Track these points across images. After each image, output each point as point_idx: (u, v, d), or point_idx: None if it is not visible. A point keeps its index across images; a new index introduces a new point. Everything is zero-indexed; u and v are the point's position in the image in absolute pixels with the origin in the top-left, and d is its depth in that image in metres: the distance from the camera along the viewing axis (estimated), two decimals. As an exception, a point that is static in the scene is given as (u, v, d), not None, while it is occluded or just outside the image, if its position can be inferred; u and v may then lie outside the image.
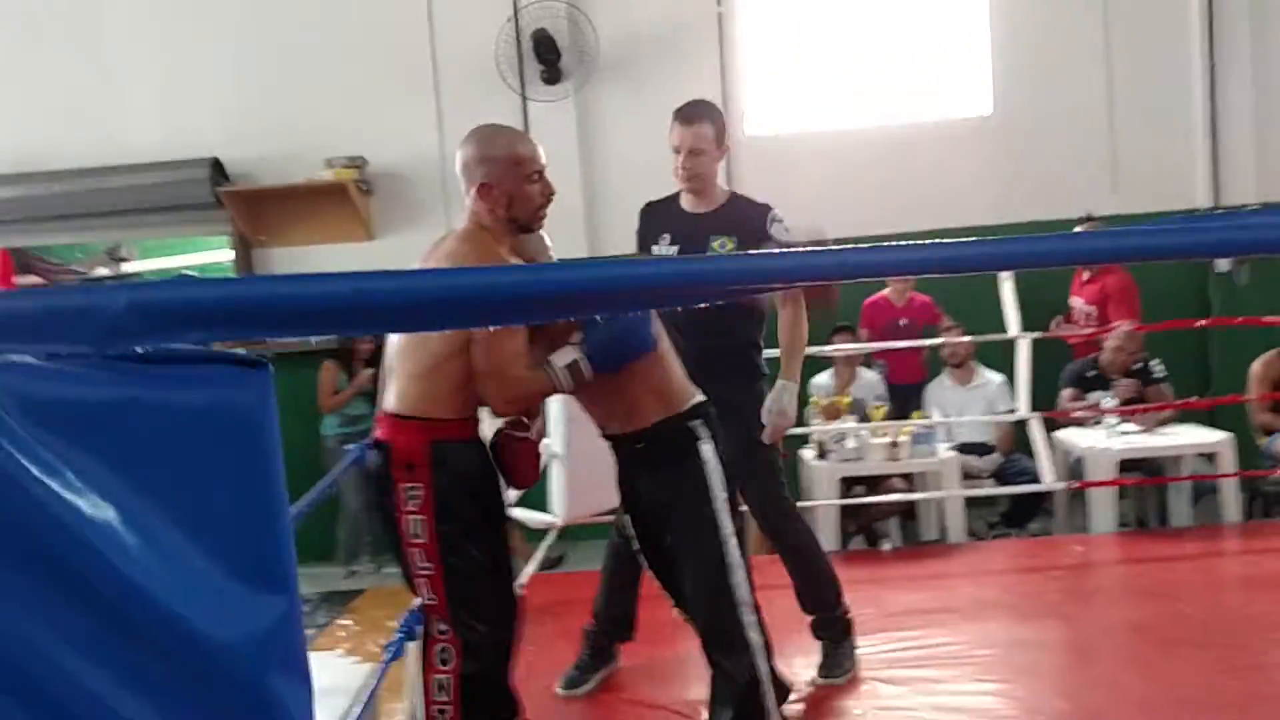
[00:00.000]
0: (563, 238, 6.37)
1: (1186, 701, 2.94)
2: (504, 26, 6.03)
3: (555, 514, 3.92)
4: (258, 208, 6.09)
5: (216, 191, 5.96)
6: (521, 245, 2.51)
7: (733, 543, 2.44)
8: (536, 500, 3.97)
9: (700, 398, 2.52)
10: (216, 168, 6.03)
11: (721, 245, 3.13)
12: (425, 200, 6.23)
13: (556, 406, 3.76)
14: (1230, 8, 6.07)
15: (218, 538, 0.72)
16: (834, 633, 3.26)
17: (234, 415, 0.72)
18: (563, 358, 2.27)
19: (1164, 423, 5.27)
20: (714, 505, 2.43)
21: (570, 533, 4.75)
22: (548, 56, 5.95)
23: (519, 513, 3.87)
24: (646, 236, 3.31)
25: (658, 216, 3.31)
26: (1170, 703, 2.95)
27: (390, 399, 2.32)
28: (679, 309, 2.78)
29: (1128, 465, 5.11)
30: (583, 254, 6.24)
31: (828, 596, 3.24)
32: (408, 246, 6.21)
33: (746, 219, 3.14)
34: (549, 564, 5.05)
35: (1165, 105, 6.16)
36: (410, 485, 2.23)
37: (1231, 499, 5.00)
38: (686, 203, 3.26)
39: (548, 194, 2.53)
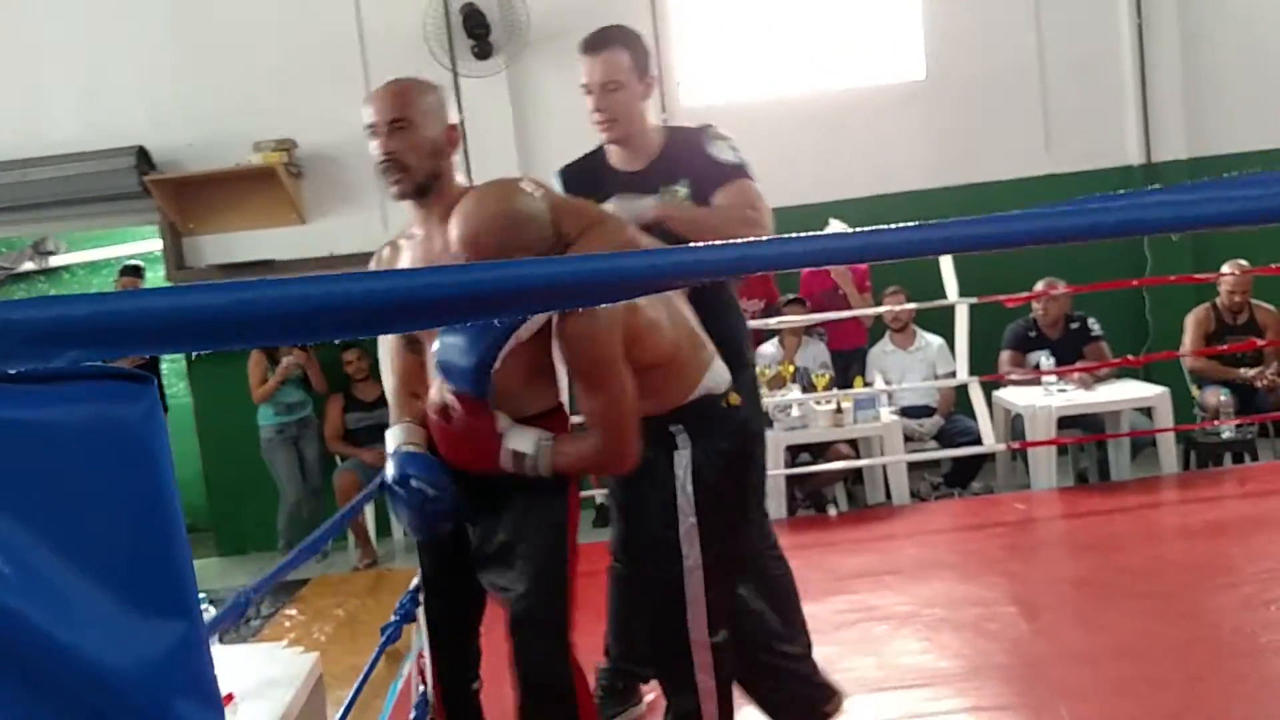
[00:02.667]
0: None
1: (1126, 650, 3.00)
2: (432, 2, 5.93)
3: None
4: (186, 195, 5.95)
5: (143, 180, 5.81)
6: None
7: (696, 575, 2.06)
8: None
9: (702, 392, 2.11)
10: (142, 156, 5.87)
11: (673, 195, 2.52)
12: (357, 181, 6.13)
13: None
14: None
15: (106, 562, 0.69)
16: None
17: (118, 432, 0.69)
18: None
19: (1102, 380, 5.36)
20: (678, 529, 2.06)
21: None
22: (477, 31, 5.86)
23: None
24: (595, 195, 2.56)
25: (584, 181, 2.58)
26: (1110, 652, 3.01)
27: None
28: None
29: (1067, 422, 5.19)
30: (522, 231, 6.18)
31: None
32: (340, 228, 6.12)
33: (689, 156, 2.54)
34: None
35: (1095, 65, 6.23)
36: None
37: (1169, 452, 5.11)
38: (617, 159, 2.60)
39: (377, 155, 2.24)
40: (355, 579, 5.28)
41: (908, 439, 5.28)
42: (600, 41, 2.55)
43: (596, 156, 2.65)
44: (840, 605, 3.56)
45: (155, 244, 6.54)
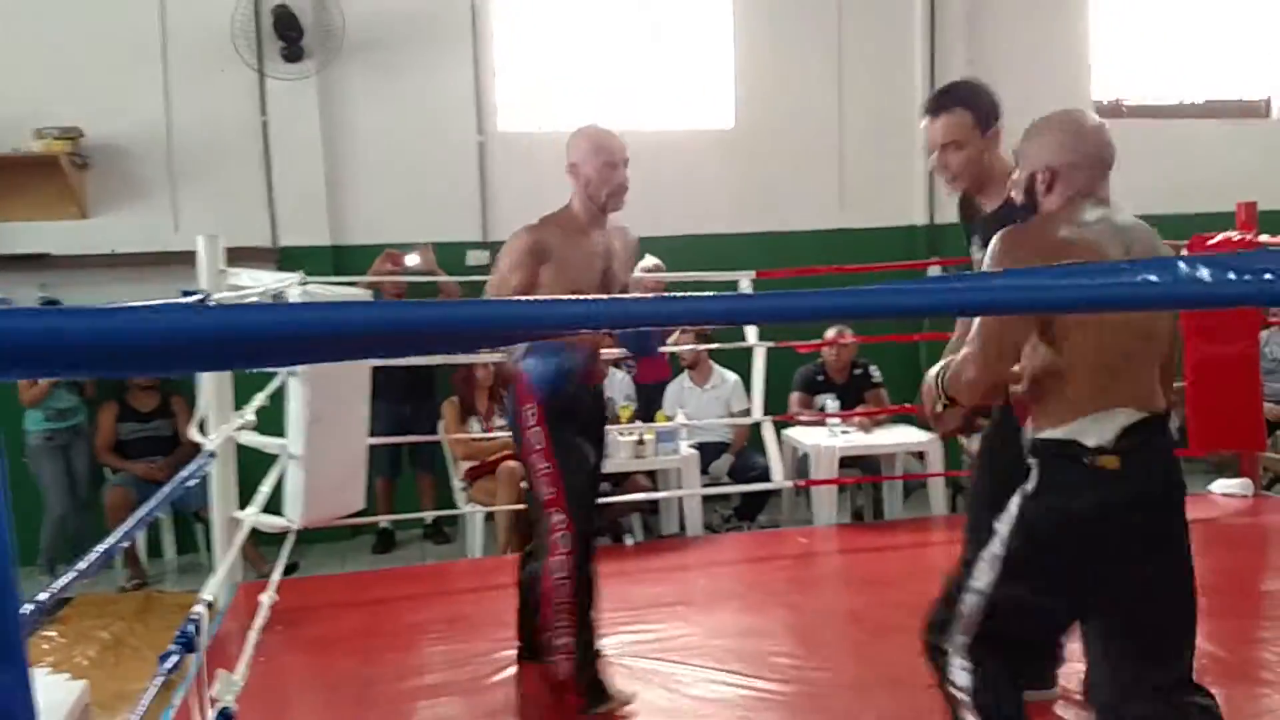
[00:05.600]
0: (303, 223, 6.17)
1: (896, 681, 3.18)
2: (242, 0, 5.71)
3: (290, 518, 3.75)
4: (-45, 179, 5.47)
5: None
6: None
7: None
8: (273, 505, 3.78)
9: None
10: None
11: None
12: (148, 177, 5.81)
13: (297, 407, 3.60)
14: (948, 43, 6.64)
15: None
16: None
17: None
18: None
19: (880, 424, 5.69)
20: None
21: (304, 537, 4.56)
22: (289, 33, 5.69)
23: (254, 518, 3.68)
24: (968, 233, 2.81)
25: (965, 206, 2.81)
26: (883, 683, 3.19)
27: None
28: None
29: (848, 462, 5.48)
30: (324, 241, 6.01)
31: None
32: (126, 225, 5.77)
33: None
34: (284, 570, 4.82)
35: (890, 129, 6.65)
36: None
37: (939, 494, 5.48)
38: (983, 200, 2.72)
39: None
40: (122, 600, 4.94)
41: (704, 472, 5.44)
42: (940, 104, 2.64)
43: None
44: (636, 635, 3.63)
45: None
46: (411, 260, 5.66)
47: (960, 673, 1.99)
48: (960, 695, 1.99)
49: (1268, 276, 0.64)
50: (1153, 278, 0.66)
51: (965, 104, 2.64)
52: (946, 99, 2.66)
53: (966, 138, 2.62)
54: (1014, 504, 1.97)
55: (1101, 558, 1.90)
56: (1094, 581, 1.94)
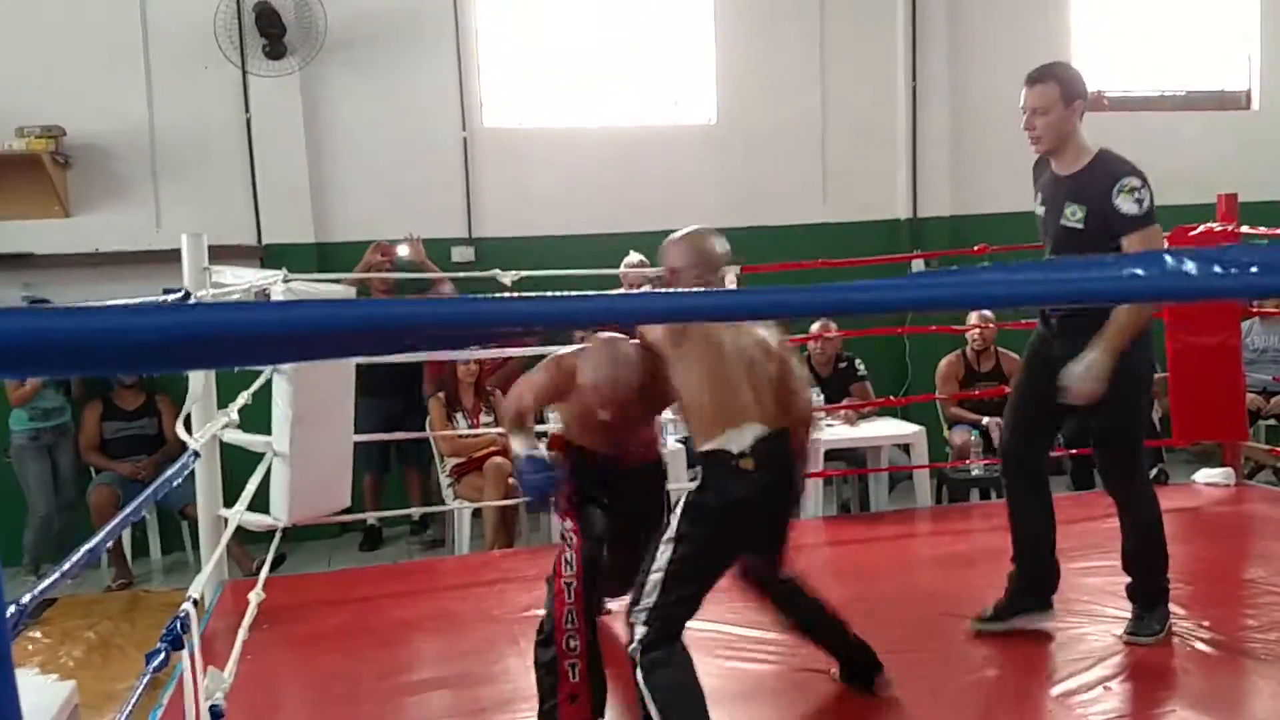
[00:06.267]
0: (287, 221, 6.14)
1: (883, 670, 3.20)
2: (224, -3, 5.69)
3: (277, 516, 3.75)
4: (-65, 177, 5.43)
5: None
6: None
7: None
8: (259, 503, 3.77)
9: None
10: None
11: (1073, 213, 3.06)
12: (131, 175, 5.78)
13: (282, 405, 3.59)
14: (932, 42, 6.66)
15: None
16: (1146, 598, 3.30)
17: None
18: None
19: (865, 417, 5.72)
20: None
21: (290, 534, 4.56)
22: (271, 30, 5.67)
23: (239, 516, 3.67)
24: (1035, 189, 3.28)
25: (1039, 168, 3.27)
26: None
27: None
28: None
29: (833, 455, 5.50)
30: (309, 238, 6.00)
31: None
32: (108, 224, 5.74)
33: (1096, 187, 3.02)
34: (272, 563, 4.82)
35: (872, 124, 6.67)
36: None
37: (924, 487, 5.50)
38: (1054, 163, 3.18)
39: None
40: (108, 600, 4.92)
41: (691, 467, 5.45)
42: (1037, 76, 3.10)
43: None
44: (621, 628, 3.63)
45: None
46: (402, 251, 5.66)
47: (640, 630, 2.54)
48: (639, 655, 2.52)
49: (1253, 270, 0.65)
50: (1139, 272, 0.67)
51: (1057, 79, 3.08)
52: (1042, 72, 3.11)
53: (1051, 106, 3.06)
54: (682, 500, 2.62)
55: (743, 528, 2.64)
56: (738, 544, 2.68)
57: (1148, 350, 3.25)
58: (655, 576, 2.57)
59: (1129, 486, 3.26)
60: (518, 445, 2.78)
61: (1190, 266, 0.65)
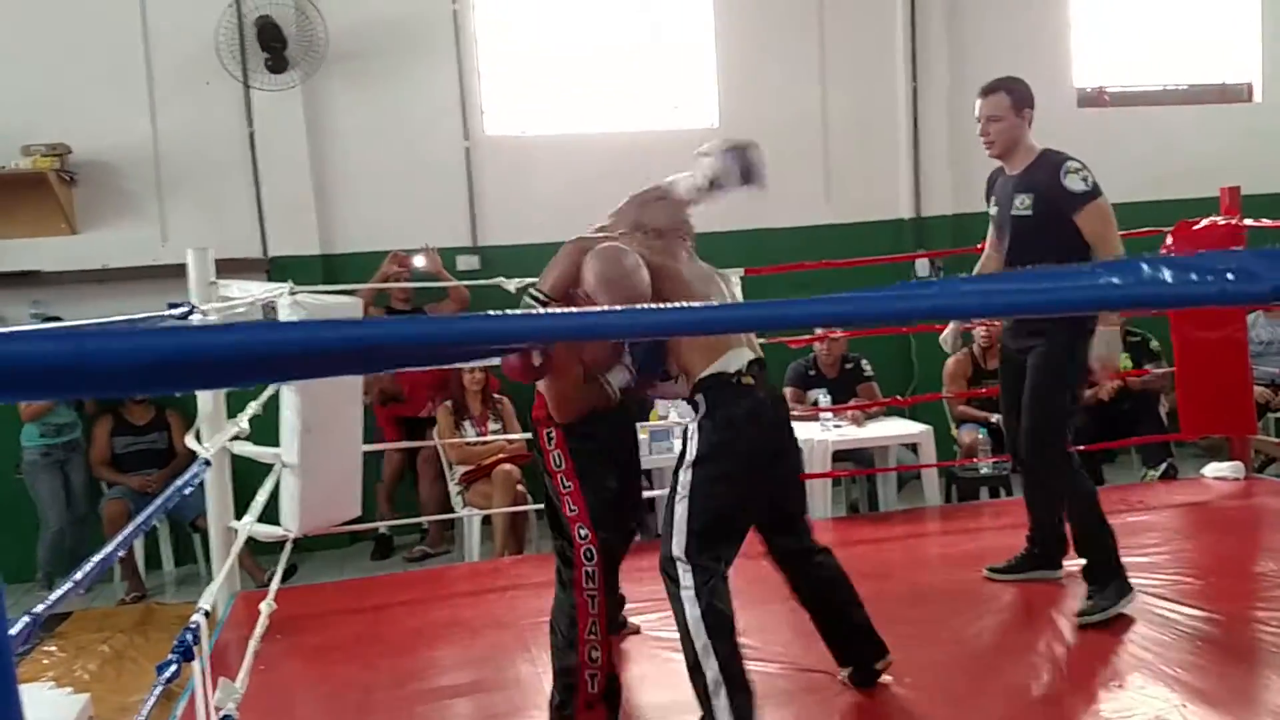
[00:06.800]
0: (292, 233, 6.17)
1: (895, 671, 3.20)
2: (225, 11, 5.72)
3: (287, 527, 3.77)
4: (-55, 198, 5.47)
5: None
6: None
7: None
8: (269, 514, 3.80)
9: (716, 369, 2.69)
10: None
11: (1021, 201, 3.41)
12: (136, 191, 5.82)
13: (290, 416, 3.61)
14: (931, 40, 6.66)
15: None
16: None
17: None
18: (616, 376, 2.85)
19: (872, 417, 5.72)
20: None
21: (302, 544, 4.58)
22: (272, 44, 5.70)
23: (250, 527, 3.69)
24: (989, 193, 3.67)
25: (993, 177, 3.66)
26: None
27: None
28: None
29: (840, 456, 5.51)
30: (314, 250, 6.02)
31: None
32: (115, 240, 5.77)
33: (1043, 174, 3.36)
34: (284, 573, 4.84)
35: (874, 124, 6.68)
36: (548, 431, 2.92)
37: (933, 486, 5.50)
38: (1006, 167, 3.54)
39: None
40: (121, 613, 4.95)
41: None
42: (990, 88, 3.46)
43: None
44: (633, 638, 3.64)
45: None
46: (419, 262, 5.68)
47: (684, 574, 2.60)
48: (684, 593, 2.60)
49: (1230, 276, 0.66)
50: (1116, 280, 0.68)
51: (1008, 90, 3.43)
52: (995, 84, 3.46)
53: (1004, 114, 3.42)
54: (692, 427, 2.69)
55: (756, 439, 2.70)
56: (754, 456, 2.70)
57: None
58: (680, 507, 2.62)
59: (1040, 453, 3.51)
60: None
61: (1166, 274, 0.66)
